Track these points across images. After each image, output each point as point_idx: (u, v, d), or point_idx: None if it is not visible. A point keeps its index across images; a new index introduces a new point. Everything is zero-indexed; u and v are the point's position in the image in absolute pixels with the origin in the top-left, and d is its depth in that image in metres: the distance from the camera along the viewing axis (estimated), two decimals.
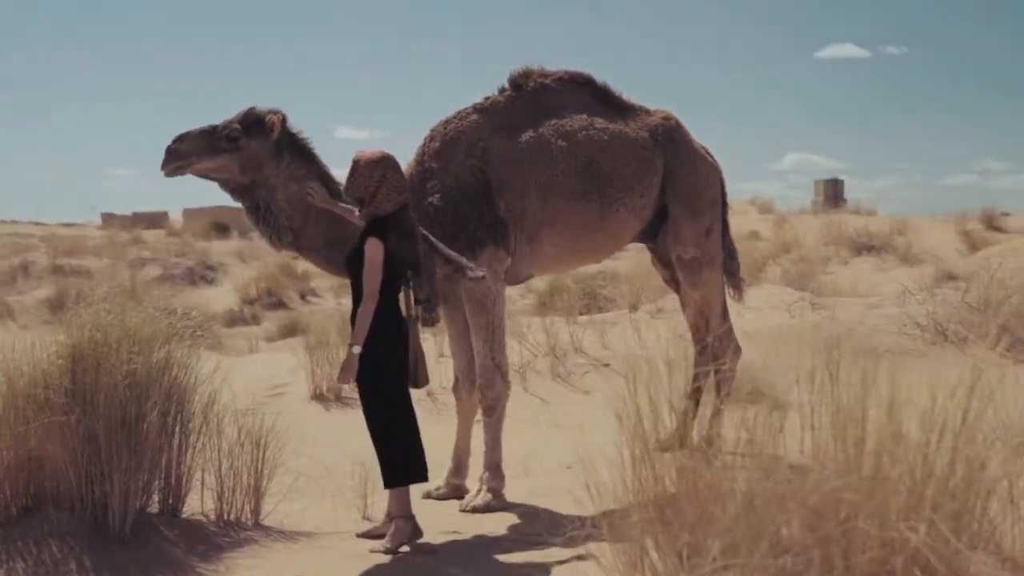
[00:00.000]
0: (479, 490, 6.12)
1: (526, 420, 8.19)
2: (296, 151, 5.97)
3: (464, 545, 5.39)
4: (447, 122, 6.38)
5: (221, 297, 23.69)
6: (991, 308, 9.47)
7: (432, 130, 6.39)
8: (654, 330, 10.17)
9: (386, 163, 5.38)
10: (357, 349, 5.16)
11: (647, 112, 6.81)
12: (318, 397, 9.21)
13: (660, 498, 3.42)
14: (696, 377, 5.45)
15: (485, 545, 5.34)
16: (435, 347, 9.88)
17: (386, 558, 5.19)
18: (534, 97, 6.49)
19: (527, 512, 5.89)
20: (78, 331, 5.36)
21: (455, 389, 6.58)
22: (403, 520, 5.32)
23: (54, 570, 4.92)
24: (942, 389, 3.07)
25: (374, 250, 5.22)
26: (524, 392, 8.82)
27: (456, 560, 5.10)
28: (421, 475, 5.40)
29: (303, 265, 23.92)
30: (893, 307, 10.44)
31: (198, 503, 5.71)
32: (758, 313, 10.35)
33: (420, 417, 5.51)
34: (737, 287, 7.38)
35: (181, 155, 5.76)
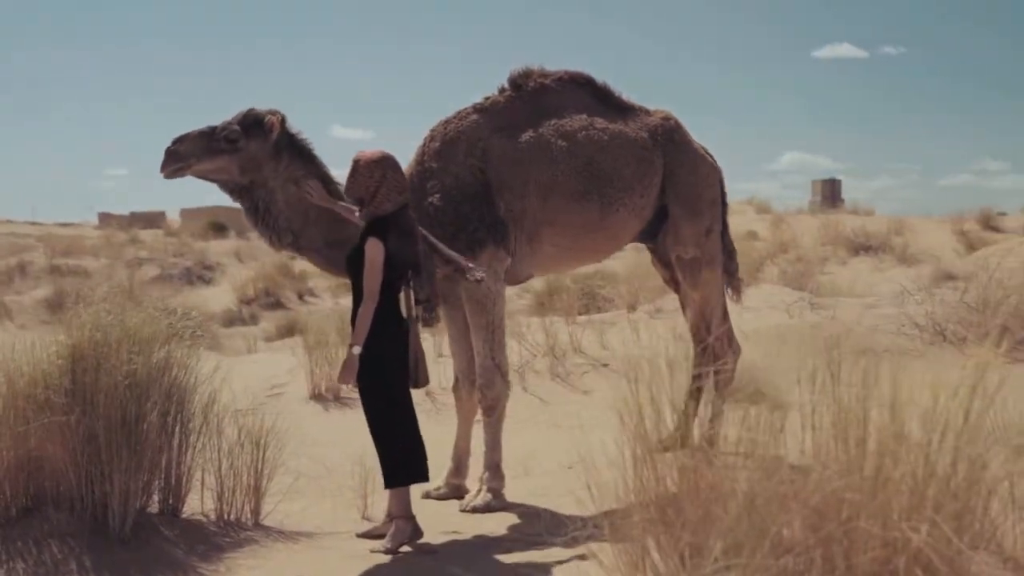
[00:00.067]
0: (479, 490, 6.13)
1: (525, 420, 8.19)
2: (295, 152, 5.97)
3: (464, 545, 5.39)
4: (447, 122, 6.38)
5: (219, 297, 23.69)
6: (989, 308, 9.47)
7: (432, 130, 6.39)
8: (653, 330, 10.17)
9: (386, 163, 5.38)
10: (357, 349, 5.16)
11: (647, 112, 6.81)
12: (317, 397, 9.21)
13: (662, 498, 3.41)
14: (697, 377, 5.45)
15: (485, 545, 5.34)
16: (433, 347, 9.88)
17: (386, 558, 5.19)
18: (534, 97, 6.50)
19: (527, 512, 5.89)
20: (78, 331, 5.36)
21: (455, 389, 6.58)
22: (403, 520, 5.33)
23: (54, 570, 4.92)
24: (944, 389, 3.07)
25: (374, 250, 5.22)
26: (523, 392, 8.82)
27: (457, 560, 5.10)
28: (422, 475, 5.40)
29: (301, 265, 23.94)
30: (892, 307, 10.44)
31: (198, 503, 5.71)
32: (757, 313, 10.35)
33: (419, 417, 5.51)
34: (735, 287, 7.39)
35: (180, 157, 5.76)
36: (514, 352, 8.78)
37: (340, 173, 6.05)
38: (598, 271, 14.40)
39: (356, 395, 8.66)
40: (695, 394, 4.81)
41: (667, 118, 6.80)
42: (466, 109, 6.44)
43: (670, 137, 6.72)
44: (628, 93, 6.87)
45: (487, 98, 6.50)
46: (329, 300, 23.76)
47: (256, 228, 6.01)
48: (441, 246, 5.71)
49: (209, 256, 30.20)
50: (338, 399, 9.15)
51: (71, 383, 5.28)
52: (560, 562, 4.77)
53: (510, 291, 6.69)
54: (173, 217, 45.98)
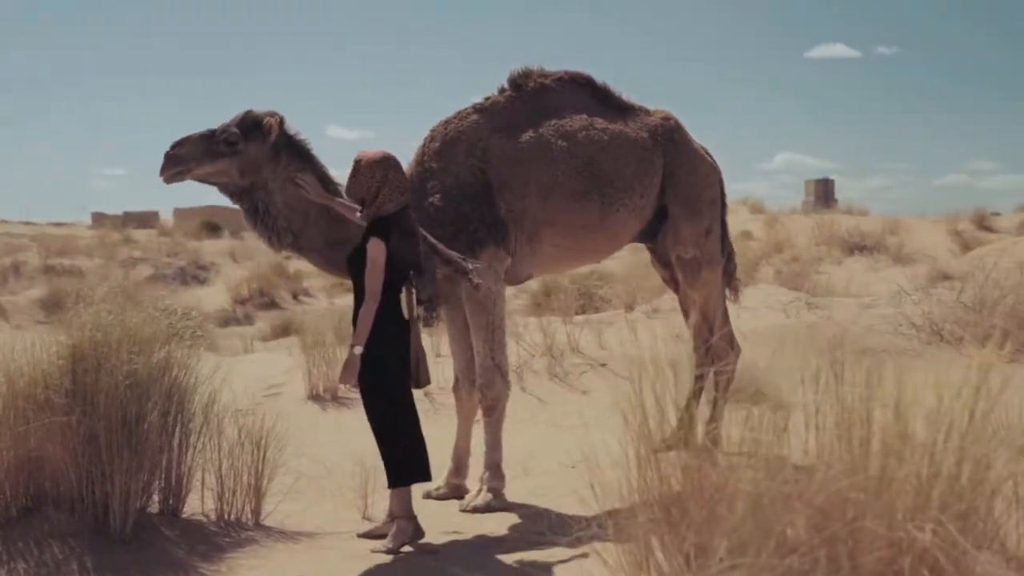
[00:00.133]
0: (479, 490, 6.13)
1: (524, 420, 8.20)
2: (294, 152, 5.97)
3: (466, 545, 5.39)
4: (447, 122, 6.38)
5: (213, 297, 23.67)
6: (986, 308, 9.49)
7: (432, 130, 6.39)
8: (650, 330, 10.18)
9: (388, 163, 5.38)
10: (359, 349, 5.16)
11: (647, 112, 6.82)
12: (315, 397, 9.21)
13: (666, 498, 3.41)
14: (699, 377, 5.45)
15: (487, 545, 5.34)
16: (432, 347, 9.88)
17: (388, 558, 5.19)
18: (534, 97, 6.50)
19: (528, 512, 5.89)
20: (78, 331, 5.36)
21: (455, 389, 6.59)
22: (405, 520, 5.33)
23: (55, 571, 4.91)
24: (948, 390, 3.08)
25: (376, 250, 5.22)
26: (522, 392, 8.83)
27: (458, 560, 5.10)
28: (424, 475, 5.40)
29: (295, 265, 23.94)
30: (888, 307, 10.46)
31: (198, 503, 5.71)
32: (754, 313, 10.37)
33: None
34: (733, 288, 7.40)
35: (180, 160, 5.75)
36: (512, 352, 8.77)
37: (337, 173, 6.09)
38: (595, 271, 14.41)
39: (354, 395, 8.71)
40: (697, 394, 4.81)
41: (667, 118, 6.81)
42: (466, 109, 6.44)
43: (670, 137, 6.73)
44: (622, 93, 6.88)
45: (487, 98, 6.50)
46: (324, 300, 23.76)
47: (255, 229, 6.01)
48: (441, 246, 5.71)
49: (203, 256, 30.19)
50: (336, 399, 9.16)
51: (72, 383, 5.28)
52: (563, 561, 4.78)
53: (507, 291, 6.71)
54: (167, 217, 45.91)
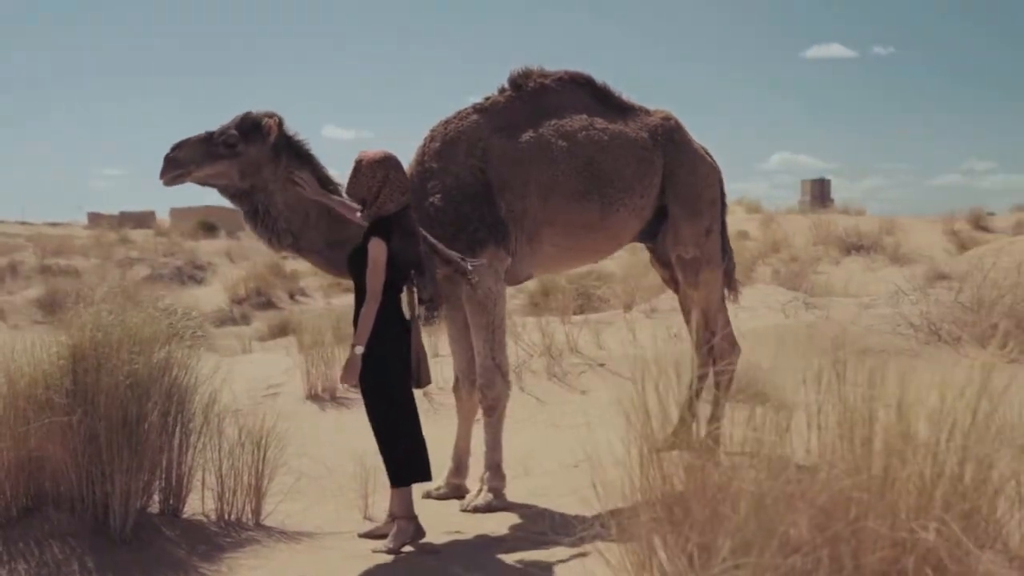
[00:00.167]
0: (480, 490, 6.13)
1: (524, 420, 8.20)
2: (293, 153, 5.96)
3: (467, 545, 5.39)
4: (447, 122, 6.38)
5: (210, 297, 23.64)
6: (984, 308, 9.51)
7: (432, 130, 6.39)
8: (649, 330, 10.21)
9: (389, 163, 5.38)
10: (360, 349, 5.16)
11: (647, 112, 6.82)
12: (314, 397, 9.20)
13: (668, 497, 3.41)
14: (700, 377, 5.47)
15: (488, 545, 5.34)
16: (431, 347, 9.88)
17: (389, 558, 5.19)
18: (534, 97, 6.50)
19: (528, 512, 5.90)
20: (79, 331, 5.35)
21: (455, 389, 6.59)
22: (406, 520, 5.33)
23: (56, 571, 4.91)
24: (950, 389, 3.08)
25: (377, 250, 5.22)
26: (521, 392, 8.83)
27: (459, 560, 5.10)
28: (424, 474, 5.40)
29: (292, 264, 23.94)
30: (886, 307, 10.48)
31: (199, 503, 5.71)
32: (752, 313, 10.38)
33: None
34: (732, 287, 7.40)
35: (180, 163, 5.75)
36: (511, 352, 8.77)
37: (336, 174, 6.09)
38: (594, 271, 14.43)
39: (353, 395, 8.72)
40: (697, 394, 4.82)
41: (667, 118, 6.81)
42: (466, 109, 6.44)
43: (670, 137, 6.73)
44: (622, 93, 6.89)
45: (487, 98, 6.49)
46: (321, 300, 23.76)
47: (255, 231, 6.00)
48: (441, 246, 5.71)
49: (200, 256, 30.16)
50: (335, 399, 9.15)
51: (72, 383, 5.27)
52: (564, 561, 4.79)
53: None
54: (163, 217, 45.87)
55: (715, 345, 6.69)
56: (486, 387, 6.18)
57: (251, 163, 5.82)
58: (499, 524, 5.73)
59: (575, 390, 9.08)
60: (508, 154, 6.26)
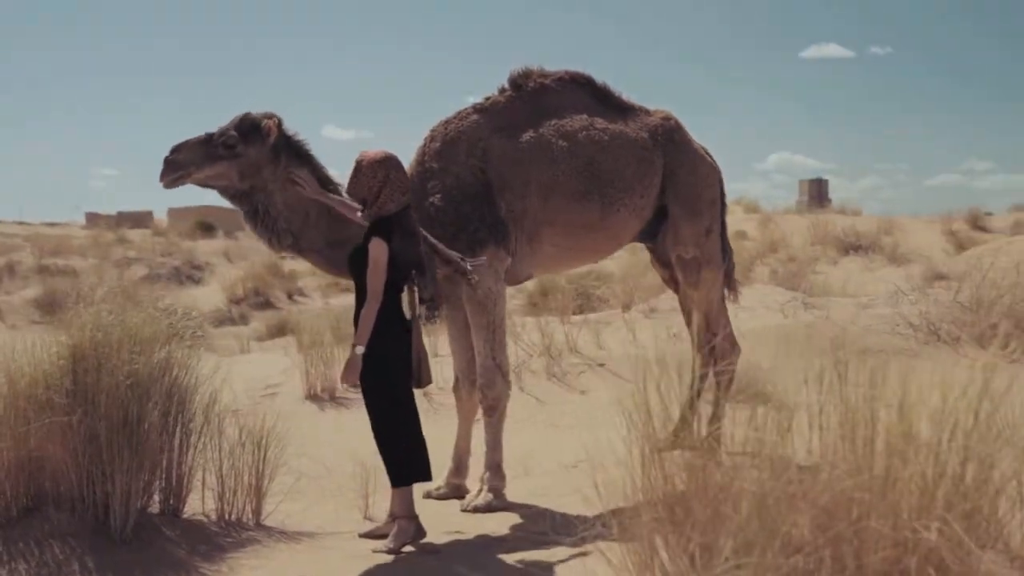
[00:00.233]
0: (480, 490, 6.13)
1: (523, 420, 8.20)
2: (292, 154, 5.96)
3: (468, 545, 5.39)
4: (447, 122, 6.38)
5: (208, 297, 23.61)
6: (983, 308, 9.52)
7: (432, 130, 6.39)
8: (648, 329, 10.21)
9: (389, 163, 5.38)
10: (360, 349, 5.16)
11: (647, 112, 6.82)
12: (312, 397, 9.19)
13: (670, 497, 3.42)
14: (701, 377, 5.46)
15: (488, 544, 5.34)
16: (430, 347, 9.87)
17: (389, 558, 5.19)
18: (534, 97, 6.50)
19: (529, 512, 5.90)
20: (79, 331, 5.35)
21: (455, 389, 6.59)
22: (406, 520, 5.33)
23: (56, 571, 4.90)
24: (952, 389, 3.09)
25: (378, 250, 5.22)
26: (520, 392, 8.83)
27: (461, 559, 5.10)
28: (425, 474, 5.41)
29: (290, 264, 23.93)
30: (885, 307, 10.49)
31: (199, 503, 5.70)
32: (751, 313, 10.39)
33: None
34: (732, 287, 7.41)
35: (180, 165, 5.75)
36: (510, 352, 8.78)
37: (335, 174, 6.09)
38: (593, 271, 14.44)
39: (352, 395, 8.72)
40: (698, 394, 4.82)
41: (667, 118, 6.81)
42: (466, 109, 6.44)
43: (670, 137, 6.74)
44: (622, 93, 6.89)
45: (487, 98, 6.50)
46: (319, 300, 23.73)
47: (256, 231, 6.00)
48: (441, 246, 5.71)
49: (198, 256, 30.13)
50: (334, 399, 9.15)
51: (72, 383, 5.26)
52: (566, 561, 4.79)
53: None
54: (160, 217, 45.82)
55: (717, 345, 6.69)
56: (486, 387, 6.18)
57: (251, 164, 5.82)
58: (500, 524, 5.73)
59: (575, 390, 9.09)
60: (508, 154, 6.27)
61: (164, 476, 5.56)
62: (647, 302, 12.34)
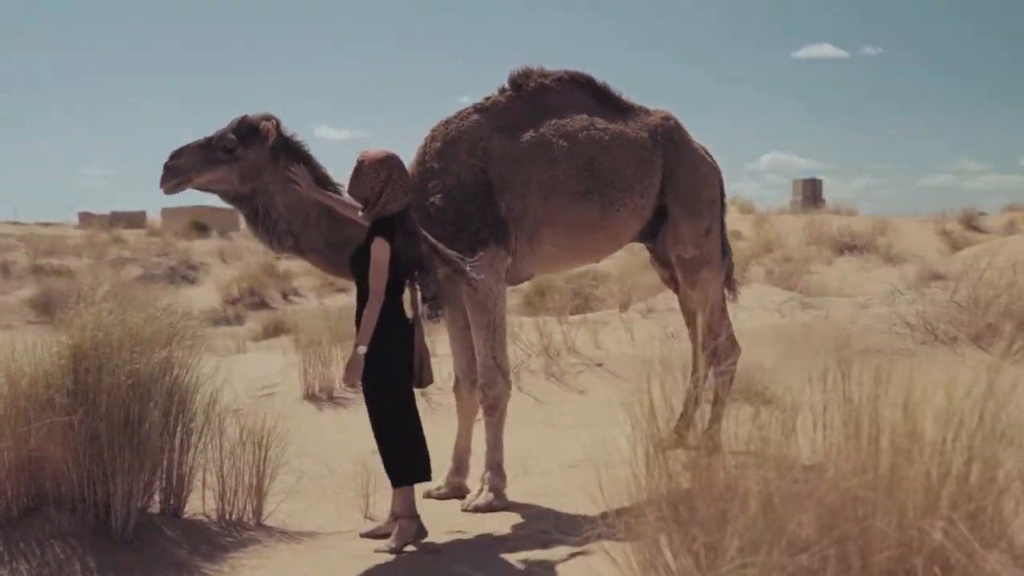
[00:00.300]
0: (481, 489, 6.13)
1: (522, 420, 8.19)
2: (291, 155, 5.96)
3: (469, 544, 5.39)
4: (448, 122, 6.38)
5: (203, 297, 23.63)
6: (980, 307, 9.55)
7: (433, 130, 6.40)
8: (646, 329, 10.22)
9: (391, 163, 5.38)
10: (363, 349, 5.16)
11: (646, 112, 6.83)
12: (310, 397, 9.18)
13: (674, 496, 3.42)
14: (702, 377, 5.47)
15: (490, 544, 5.34)
16: (428, 347, 9.86)
17: (391, 558, 5.19)
18: (534, 97, 6.50)
19: (529, 511, 5.90)
20: (80, 331, 5.35)
21: (455, 388, 6.59)
22: (408, 520, 5.33)
23: (57, 571, 4.90)
24: (957, 389, 3.09)
25: (380, 250, 5.22)
26: (519, 392, 8.81)
27: (462, 559, 5.10)
28: (425, 474, 5.41)
29: (285, 264, 23.94)
30: (882, 307, 10.51)
31: (200, 503, 5.70)
32: (749, 313, 10.39)
33: None
34: (731, 287, 7.42)
35: (180, 171, 5.75)
36: (509, 352, 8.79)
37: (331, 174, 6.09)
38: (590, 271, 14.45)
39: (350, 395, 8.73)
40: (699, 394, 4.83)
41: (667, 118, 6.82)
42: (467, 109, 6.45)
43: (670, 137, 6.74)
44: (622, 93, 6.89)
45: (488, 98, 6.50)
46: (314, 300, 23.74)
47: (256, 234, 6.01)
48: (440, 246, 5.71)
49: (192, 256, 30.13)
50: (332, 399, 9.14)
51: (73, 383, 5.26)
52: (568, 560, 4.79)
53: None
54: (154, 217, 45.75)
55: (719, 345, 6.70)
56: (487, 386, 6.19)
57: (250, 166, 5.82)
58: (500, 524, 5.73)
59: (573, 390, 9.09)
60: (509, 154, 6.27)
61: (165, 476, 5.55)
62: (644, 302, 12.36)
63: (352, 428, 7.92)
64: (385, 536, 5.40)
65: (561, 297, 12.09)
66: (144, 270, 27.31)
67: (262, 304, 23.38)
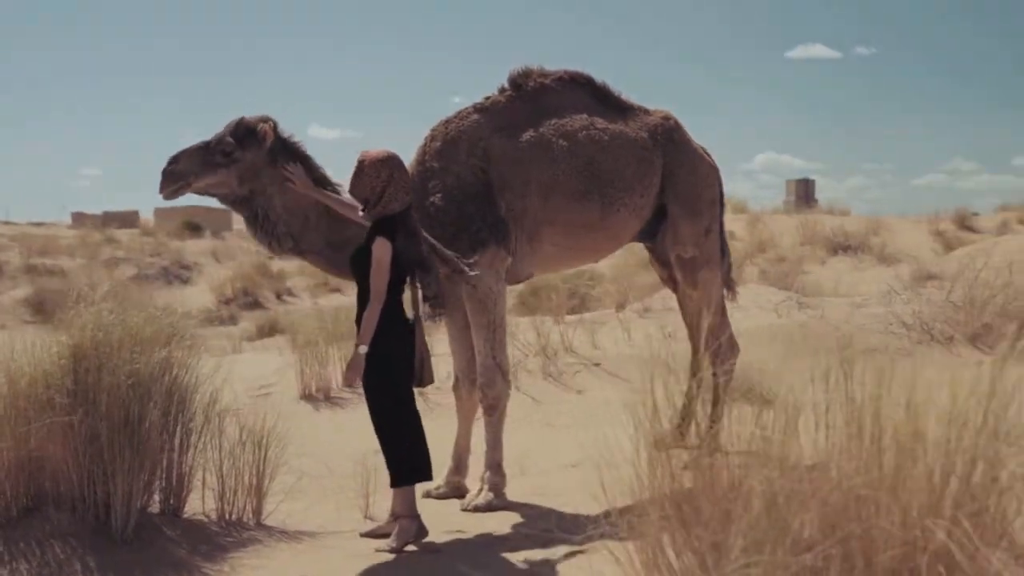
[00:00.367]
0: (480, 489, 6.14)
1: (519, 420, 8.20)
2: (289, 156, 5.96)
3: (469, 544, 5.39)
4: (448, 122, 6.38)
5: (197, 297, 23.61)
6: (975, 307, 9.58)
7: (433, 130, 6.40)
8: (643, 329, 10.23)
9: (392, 163, 5.38)
10: (363, 349, 5.16)
11: (646, 112, 6.83)
12: (307, 397, 9.17)
13: (677, 495, 3.43)
14: (704, 377, 5.48)
15: (490, 543, 5.35)
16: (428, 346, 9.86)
17: (391, 557, 5.20)
18: (534, 97, 6.50)
19: (529, 511, 5.91)
20: (80, 331, 5.34)
21: (455, 388, 6.59)
22: (408, 519, 5.33)
23: (57, 571, 4.89)
24: (961, 388, 3.10)
25: (382, 250, 5.22)
26: (516, 392, 8.80)
27: (463, 558, 5.10)
28: (426, 474, 5.41)
29: (278, 264, 23.92)
30: (879, 306, 10.54)
31: (199, 503, 5.69)
32: (745, 312, 10.40)
33: None
34: (730, 287, 7.43)
35: (179, 175, 5.74)
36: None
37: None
38: (586, 271, 14.46)
39: (348, 394, 8.74)
40: (699, 393, 4.84)
41: (667, 118, 6.82)
42: (467, 109, 6.45)
43: (670, 137, 6.75)
44: (621, 93, 6.89)
45: (487, 98, 6.50)
46: (307, 300, 23.72)
47: (256, 237, 6.01)
48: (439, 246, 5.72)
49: (186, 256, 30.09)
50: (329, 399, 9.13)
51: (73, 383, 5.25)
52: (569, 559, 4.79)
53: None
54: (147, 216, 45.66)
55: (721, 345, 6.71)
56: (487, 386, 6.19)
57: (248, 169, 5.82)
58: (500, 523, 5.74)
59: (571, 390, 9.10)
60: (508, 153, 6.27)
61: (165, 476, 5.55)
62: (641, 302, 12.38)
63: (350, 428, 7.93)
64: (385, 536, 5.41)
65: (558, 297, 12.09)
66: (138, 270, 27.28)
67: (256, 304, 23.37)
